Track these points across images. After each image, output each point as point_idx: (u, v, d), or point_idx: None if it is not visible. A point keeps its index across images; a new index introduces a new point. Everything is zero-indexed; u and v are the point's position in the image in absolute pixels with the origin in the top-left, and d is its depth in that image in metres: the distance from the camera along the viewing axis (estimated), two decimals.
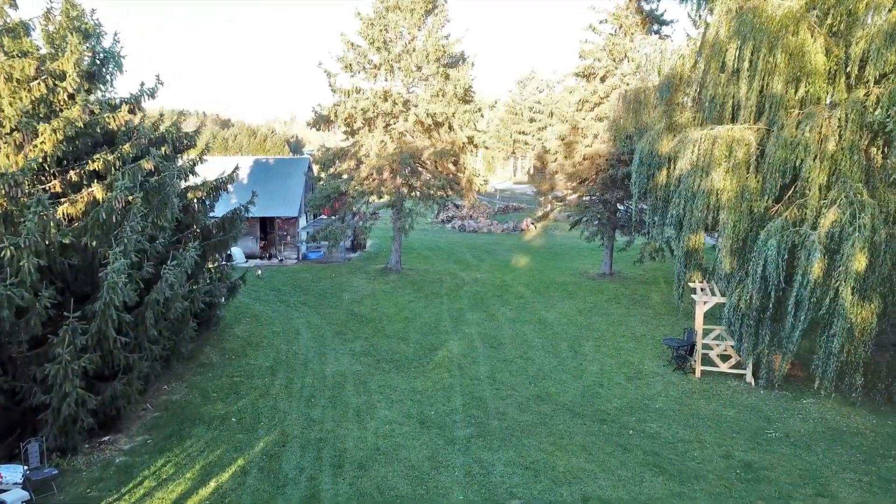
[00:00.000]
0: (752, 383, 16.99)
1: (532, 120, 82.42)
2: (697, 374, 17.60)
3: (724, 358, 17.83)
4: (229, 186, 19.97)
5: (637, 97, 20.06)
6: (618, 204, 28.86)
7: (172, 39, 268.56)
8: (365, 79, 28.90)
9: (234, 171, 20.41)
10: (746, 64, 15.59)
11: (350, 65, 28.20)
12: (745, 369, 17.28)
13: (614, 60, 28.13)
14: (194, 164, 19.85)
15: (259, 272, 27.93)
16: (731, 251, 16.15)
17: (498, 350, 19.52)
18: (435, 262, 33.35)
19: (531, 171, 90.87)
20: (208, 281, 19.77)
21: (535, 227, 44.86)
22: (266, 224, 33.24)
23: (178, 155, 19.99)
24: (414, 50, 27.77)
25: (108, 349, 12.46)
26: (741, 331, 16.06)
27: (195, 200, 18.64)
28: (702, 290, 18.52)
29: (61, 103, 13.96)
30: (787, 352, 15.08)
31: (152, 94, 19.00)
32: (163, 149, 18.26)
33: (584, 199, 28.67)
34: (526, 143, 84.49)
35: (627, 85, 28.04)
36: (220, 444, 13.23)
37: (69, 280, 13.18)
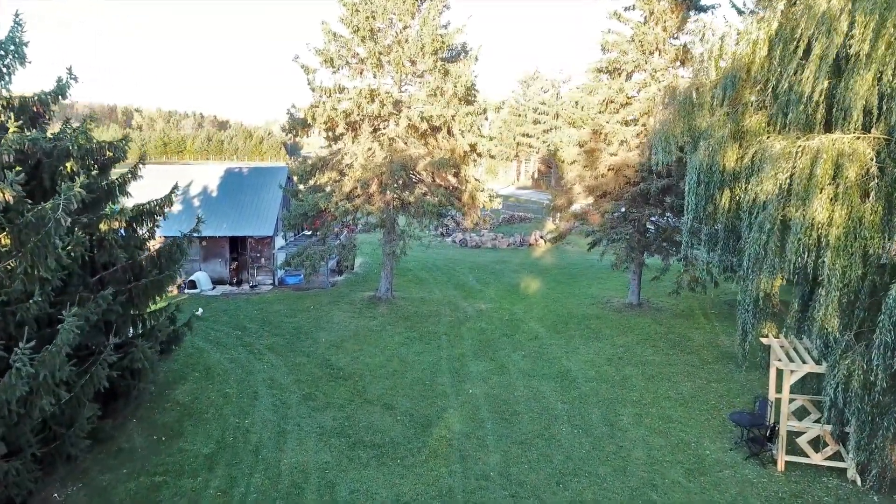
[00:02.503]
0: (859, 482, 12.54)
1: (536, 122, 78.08)
2: (780, 466, 13.13)
3: (816, 444, 13.35)
4: (190, 204, 15.41)
5: (689, 96, 15.58)
6: (647, 223, 24.42)
7: (171, 39, 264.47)
8: (349, 75, 24.46)
9: (171, 192, 15.99)
10: (867, 47, 11.12)
11: (331, 59, 23.75)
12: (845, 462, 12.85)
13: (644, 53, 23.67)
14: (119, 185, 15.54)
15: (199, 311, 23.37)
16: (837, 306, 11.71)
17: (511, 424, 15.05)
18: (432, 286, 28.88)
19: (535, 176, 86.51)
20: (139, 334, 15.41)
21: (545, 242, 40.40)
22: (238, 244, 28.78)
23: (101, 173, 15.62)
24: (406, 41, 23.33)
25: None
26: (854, 416, 11.62)
27: (112, 232, 14.15)
28: (781, 348, 14.05)
29: None
30: None
31: (61, 94, 14.69)
32: (69, 165, 13.88)
33: (607, 216, 24.20)
34: (530, 146, 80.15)
35: (659, 82, 23.65)
36: None
37: None
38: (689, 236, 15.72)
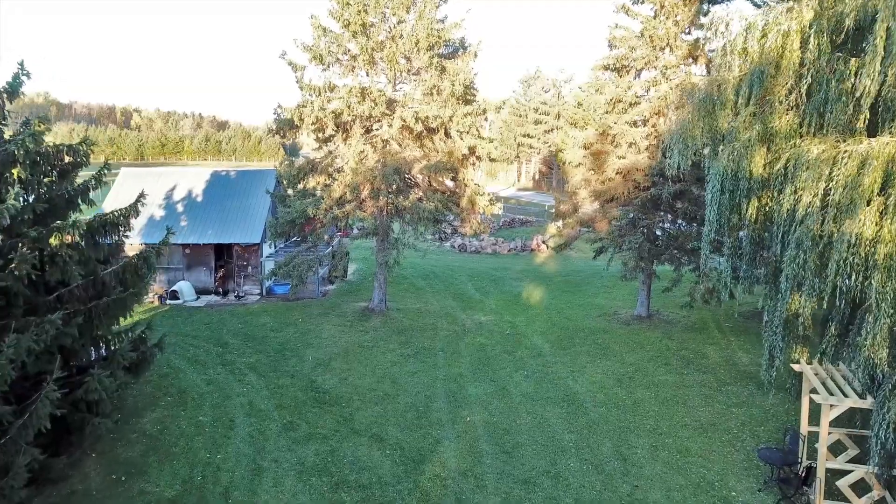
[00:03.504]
0: None
1: (538, 122, 76.59)
2: None
3: (858, 487, 11.84)
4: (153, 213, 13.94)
5: (709, 94, 14.07)
6: (656, 229, 22.93)
7: (171, 39, 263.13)
8: (341, 73, 22.97)
9: (137, 201, 14.49)
10: None
11: (321, 55, 22.24)
12: None
13: (654, 49, 22.16)
14: (81, 192, 14.11)
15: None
16: (887, 334, 10.21)
17: (513, 458, 13.54)
18: (429, 296, 27.38)
19: (536, 177, 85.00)
20: (102, 357, 13.95)
21: (547, 247, 38.89)
22: (224, 252, 27.28)
23: (61, 179, 14.16)
24: (401, 36, 21.83)
25: None
26: None
27: (66, 247, 12.63)
28: (815, 375, 12.54)
29: None
30: None
31: (13, 91, 13.27)
32: (15, 172, 12.41)
33: (614, 222, 22.69)
34: (531, 147, 78.65)
35: (670, 80, 22.16)
36: None
37: None
38: (710, 248, 14.18)
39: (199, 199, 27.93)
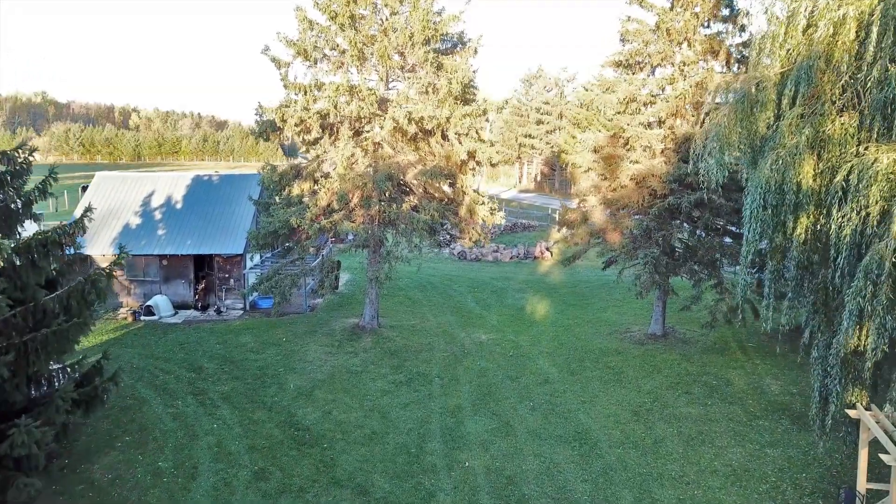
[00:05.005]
0: None
1: (539, 122, 74.59)
2: None
3: None
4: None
5: (747, 92, 12.13)
6: (673, 240, 21.01)
7: (170, 39, 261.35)
8: (329, 70, 21.06)
9: (83, 216, 12.53)
10: None
11: (306, 50, 20.32)
12: None
13: (671, 43, 20.22)
14: (24, 205, 12.27)
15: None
16: None
17: None
18: (425, 310, 25.46)
19: (538, 178, 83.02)
20: (42, 396, 12.06)
21: (551, 254, 36.95)
22: (204, 263, 25.35)
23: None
24: (394, 29, 19.90)
25: None
26: None
27: None
28: (877, 423, 10.61)
29: None
30: None
31: None
32: None
33: (627, 233, 20.73)
34: (532, 148, 76.67)
35: (685, 77, 20.22)
36: None
37: None
38: (748, 271, 12.24)
39: (179, 206, 26.02)
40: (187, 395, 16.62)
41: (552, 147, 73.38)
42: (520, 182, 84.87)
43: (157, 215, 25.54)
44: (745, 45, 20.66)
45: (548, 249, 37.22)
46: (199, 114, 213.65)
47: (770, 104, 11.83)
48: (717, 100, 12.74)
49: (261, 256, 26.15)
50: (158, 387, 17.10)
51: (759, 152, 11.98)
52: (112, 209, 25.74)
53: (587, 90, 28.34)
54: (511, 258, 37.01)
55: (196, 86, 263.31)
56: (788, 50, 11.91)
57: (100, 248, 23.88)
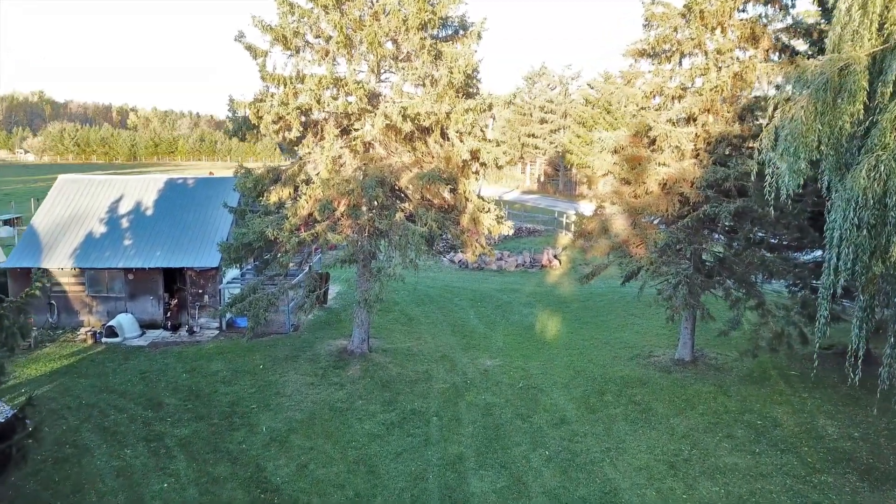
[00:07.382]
0: None
1: (543, 121, 71.96)
2: None
3: None
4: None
5: (829, 79, 9.50)
6: (705, 254, 18.45)
7: (170, 39, 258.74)
8: (313, 60, 18.43)
9: None
10: None
11: (286, 37, 17.71)
12: None
13: (705, 27, 17.60)
14: None
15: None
16: None
17: None
18: (423, 329, 22.85)
19: (542, 179, 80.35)
20: None
21: (560, 263, 34.31)
22: (175, 277, 22.74)
23: None
24: (385, 12, 17.31)
25: None
26: None
27: None
28: None
29: None
30: None
31: None
32: None
33: (652, 245, 18.10)
34: (536, 148, 74.03)
35: (719, 68, 17.60)
36: None
37: None
38: (862, 320, 9.57)
39: (150, 212, 23.41)
40: (139, 442, 14.02)
41: (556, 147, 70.85)
42: (524, 182, 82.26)
43: (125, 223, 22.94)
44: (787, 30, 18.16)
45: (556, 257, 34.60)
46: (197, 113, 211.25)
47: (860, 93, 9.21)
48: (788, 89, 10.12)
49: (241, 269, 23.54)
50: (107, 430, 14.51)
51: (847, 155, 9.38)
52: (75, 216, 23.15)
53: (606, 81, 25.80)
54: (516, 267, 34.37)
55: (194, 85, 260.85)
56: (882, 24, 9.34)
57: (58, 260, 21.29)
